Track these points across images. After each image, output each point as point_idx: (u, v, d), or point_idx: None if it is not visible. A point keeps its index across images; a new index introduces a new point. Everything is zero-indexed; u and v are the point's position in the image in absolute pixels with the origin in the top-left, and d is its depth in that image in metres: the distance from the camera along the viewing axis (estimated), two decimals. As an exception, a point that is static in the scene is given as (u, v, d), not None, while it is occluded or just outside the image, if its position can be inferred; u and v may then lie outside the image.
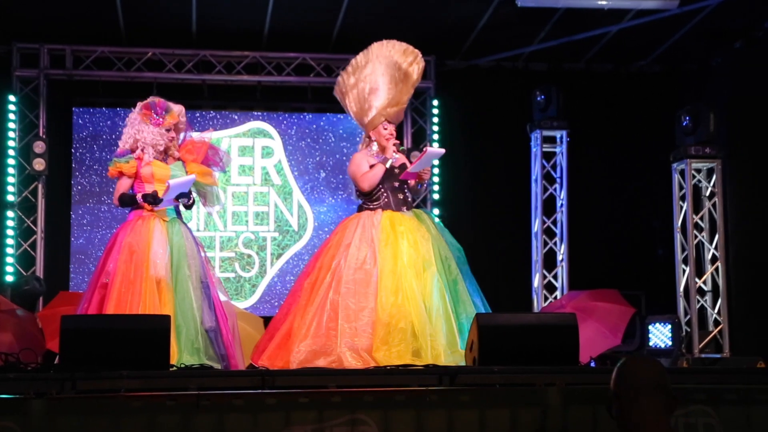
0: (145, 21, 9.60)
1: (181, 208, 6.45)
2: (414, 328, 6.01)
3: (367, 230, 6.32)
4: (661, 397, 2.77)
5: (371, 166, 6.47)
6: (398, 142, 6.59)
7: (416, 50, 6.70)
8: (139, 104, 6.45)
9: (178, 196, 6.28)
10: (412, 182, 6.60)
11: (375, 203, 6.47)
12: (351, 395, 4.67)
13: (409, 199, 6.57)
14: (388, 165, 6.46)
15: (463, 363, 5.93)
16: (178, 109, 6.44)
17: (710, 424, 4.81)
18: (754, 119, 9.62)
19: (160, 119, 6.35)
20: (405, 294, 6.09)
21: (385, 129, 6.52)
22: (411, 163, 6.58)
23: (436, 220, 6.65)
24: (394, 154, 6.48)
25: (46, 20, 9.48)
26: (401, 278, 6.13)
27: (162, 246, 6.15)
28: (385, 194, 6.46)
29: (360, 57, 6.67)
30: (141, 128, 6.36)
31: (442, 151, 6.86)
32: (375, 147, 6.56)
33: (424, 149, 6.58)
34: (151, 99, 6.47)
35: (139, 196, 6.27)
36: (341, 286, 6.15)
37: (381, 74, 6.57)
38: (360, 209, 6.55)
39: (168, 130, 6.38)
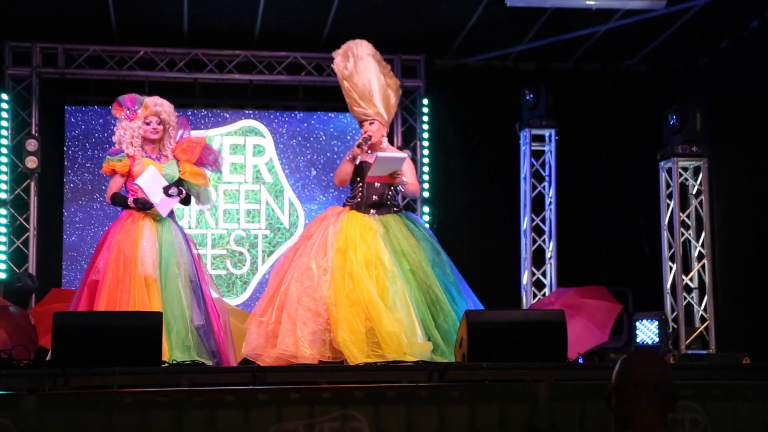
0: (137, 20, 9.57)
1: (175, 206, 6.44)
2: (362, 318, 5.98)
3: (326, 226, 6.34)
4: (662, 395, 2.75)
5: (344, 162, 6.49)
6: (367, 136, 6.40)
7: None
8: (114, 103, 6.45)
9: (166, 191, 6.25)
10: (403, 186, 6.46)
11: (351, 200, 6.48)
12: (342, 391, 4.67)
13: (389, 202, 6.45)
14: (356, 161, 6.39)
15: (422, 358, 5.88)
16: (151, 99, 6.40)
17: (696, 420, 4.83)
18: (740, 118, 9.65)
19: (132, 113, 6.34)
20: (359, 289, 6.05)
21: (363, 126, 6.51)
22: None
23: (416, 227, 6.46)
24: (364, 150, 6.37)
25: (39, 19, 9.44)
26: (353, 274, 6.09)
27: (150, 244, 6.14)
28: (360, 193, 6.42)
29: (354, 47, 6.60)
30: (118, 125, 6.41)
31: (402, 155, 6.48)
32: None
33: (375, 155, 6.32)
34: (122, 96, 6.46)
35: (130, 200, 6.28)
36: (294, 279, 6.18)
37: (372, 73, 6.53)
38: (344, 204, 6.58)
39: (147, 123, 6.34)
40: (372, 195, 6.40)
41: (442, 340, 6.05)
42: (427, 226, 7.05)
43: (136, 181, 6.21)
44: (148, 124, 6.36)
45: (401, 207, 6.80)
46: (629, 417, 2.75)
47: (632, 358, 2.84)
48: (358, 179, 6.41)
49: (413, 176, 6.54)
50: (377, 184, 6.39)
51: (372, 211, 6.36)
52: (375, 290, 6.04)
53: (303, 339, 5.96)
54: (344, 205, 6.51)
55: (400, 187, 6.48)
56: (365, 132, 6.43)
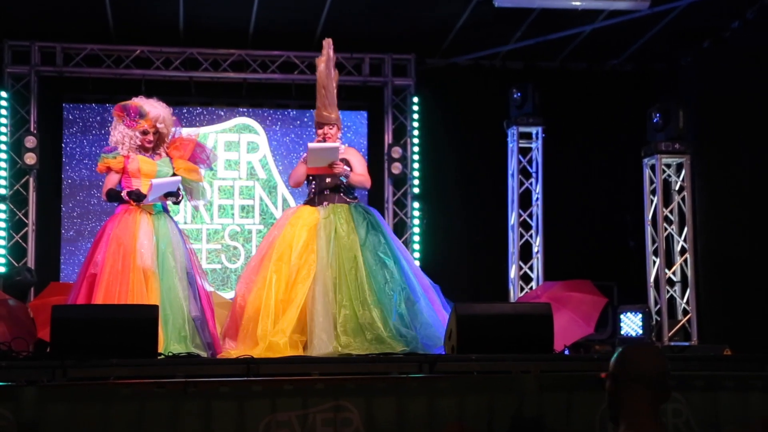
0: (134, 19, 9.55)
1: (168, 202, 6.46)
2: (259, 320, 6.12)
3: (281, 225, 6.55)
4: (656, 388, 2.75)
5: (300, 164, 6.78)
6: (321, 140, 6.65)
7: (326, 44, 6.72)
8: (117, 105, 6.46)
9: (167, 194, 6.32)
10: (344, 175, 6.58)
11: (307, 198, 6.71)
12: (334, 383, 4.67)
13: (342, 195, 6.57)
14: (308, 163, 6.57)
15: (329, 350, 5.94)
16: (155, 114, 6.39)
17: (678, 410, 4.84)
18: (722, 116, 9.67)
19: (133, 122, 6.36)
20: (264, 286, 6.21)
21: (320, 128, 6.71)
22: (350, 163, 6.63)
23: (366, 213, 6.55)
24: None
25: (37, 18, 9.41)
26: (268, 271, 6.26)
27: (148, 238, 6.17)
28: (313, 189, 6.63)
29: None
30: (115, 126, 6.44)
31: (333, 145, 6.57)
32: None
33: (307, 146, 6.59)
34: (128, 102, 6.46)
35: (124, 193, 6.29)
36: (243, 276, 6.47)
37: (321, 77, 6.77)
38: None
39: (144, 134, 6.36)
40: (324, 189, 6.58)
41: (367, 325, 6.08)
42: (383, 218, 7.06)
43: (152, 180, 6.22)
44: (145, 134, 6.37)
45: (358, 199, 6.82)
46: (622, 406, 2.76)
47: (630, 350, 2.84)
48: (311, 178, 6.61)
49: (362, 167, 6.73)
50: (328, 179, 6.56)
51: (325, 203, 6.54)
52: (276, 292, 6.19)
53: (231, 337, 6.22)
54: (301, 204, 6.74)
55: (343, 178, 6.60)
56: (324, 135, 6.65)
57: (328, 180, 6.56)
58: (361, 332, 6.05)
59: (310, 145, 6.58)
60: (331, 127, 6.66)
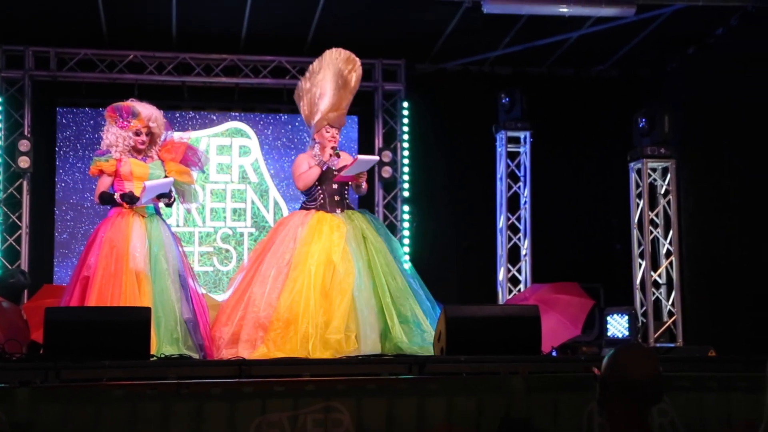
0: (127, 24, 9.52)
1: (161, 204, 6.43)
2: (303, 323, 6.03)
3: (293, 229, 6.43)
4: (647, 393, 2.70)
5: (310, 167, 6.55)
6: (336, 146, 6.59)
7: (356, 59, 6.75)
8: (109, 107, 6.43)
9: (159, 195, 6.29)
10: (362, 184, 6.61)
11: (312, 203, 6.57)
12: (324, 384, 4.66)
13: (347, 201, 6.60)
14: (324, 167, 6.52)
15: (378, 349, 5.97)
16: (147, 113, 6.37)
17: (664, 410, 4.85)
18: (707, 121, 9.69)
19: (126, 123, 6.33)
20: (304, 290, 6.12)
21: (327, 132, 6.61)
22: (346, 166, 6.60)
23: (375, 220, 6.68)
24: (334, 157, 6.53)
25: (32, 23, 9.39)
26: (306, 275, 6.17)
27: (141, 240, 6.13)
28: (321, 195, 6.54)
29: (315, 63, 6.75)
30: (107, 128, 6.40)
31: (376, 158, 6.83)
32: (317, 149, 6.62)
33: (356, 156, 6.57)
34: (120, 103, 6.44)
35: (117, 196, 6.26)
36: (258, 280, 6.27)
37: (329, 80, 6.66)
38: (301, 207, 6.66)
39: (137, 134, 6.34)
40: (334, 195, 6.54)
41: (403, 328, 6.13)
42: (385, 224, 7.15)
43: (145, 183, 6.19)
44: (137, 135, 6.34)
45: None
46: (610, 409, 2.72)
47: (622, 354, 2.78)
48: (317, 183, 6.54)
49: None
50: (335, 185, 6.53)
51: (337, 210, 6.50)
52: (321, 299, 6.11)
53: (259, 339, 6.07)
54: (306, 209, 6.58)
55: (361, 185, 6.61)
56: (333, 138, 6.59)
57: (335, 186, 6.54)
58: (409, 329, 6.15)
59: (361, 156, 6.56)
60: (338, 131, 6.66)
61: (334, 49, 6.71)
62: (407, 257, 10.10)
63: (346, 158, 6.64)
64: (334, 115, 6.60)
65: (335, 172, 6.54)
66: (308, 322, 6.02)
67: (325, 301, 6.11)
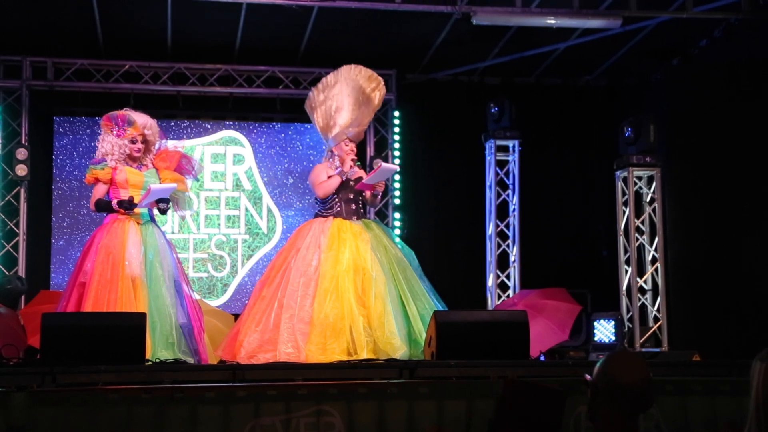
0: (123, 35, 9.52)
1: (155, 211, 6.42)
2: (346, 328, 6.06)
3: (316, 236, 6.46)
4: (637, 400, 2.69)
5: (329, 177, 6.59)
6: (356, 158, 6.69)
7: (379, 78, 6.83)
8: (105, 116, 6.43)
9: (158, 200, 6.28)
10: (367, 194, 6.69)
11: (328, 211, 6.60)
12: (317, 388, 4.66)
13: (361, 210, 6.68)
14: (344, 178, 6.58)
15: (419, 354, 5.97)
16: (142, 121, 6.39)
17: (650, 413, 4.85)
18: (691, 130, 9.72)
19: (122, 131, 6.33)
20: (340, 296, 6.16)
21: (347, 146, 6.67)
22: (366, 175, 6.64)
23: (387, 229, 6.83)
24: (351, 169, 6.60)
25: (29, 34, 9.38)
26: (339, 281, 6.21)
27: (136, 247, 6.13)
28: (338, 204, 6.58)
29: (330, 77, 6.75)
30: (103, 137, 6.39)
31: (396, 167, 6.94)
32: (336, 161, 6.66)
33: (379, 164, 6.69)
34: (115, 112, 6.43)
35: (114, 203, 6.25)
36: (288, 286, 6.26)
37: (347, 95, 6.66)
38: (315, 216, 6.69)
39: (133, 142, 6.34)
40: (350, 204, 6.60)
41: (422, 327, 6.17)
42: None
43: (151, 185, 6.20)
44: (133, 143, 6.34)
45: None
46: (601, 415, 2.71)
47: (613, 360, 2.76)
48: (334, 192, 6.58)
49: None
50: (351, 195, 6.60)
51: (354, 218, 6.56)
52: (360, 303, 6.15)
53: (302, 345, 6.05)
54: (323, 216, 6.61)
55: (378, 194, 6.73)
56: (351, 151, 6.65)
57: (351, 195, 6.61)
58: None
59: (384, 164, 6.67)
60: (355, 144, 6.75)
61: (352, 66, 6.76)
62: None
63: (359, 171, 6.73)
64: (354, 131, 6.69)
65: (351, 182, 6.62)
66: (350, 327, 6.05)
67: (362, 307, 6.15)
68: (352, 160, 6.62)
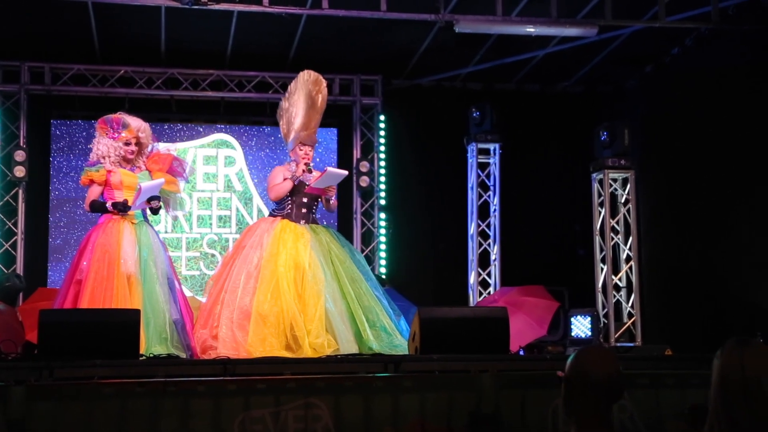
0: (119, 41, 9.49)
1: (148, 211, 6.40)
2: (286, 325, 6.06)
3: (260, 235, 6.46)
4: (608, 391, 2.72)
5: (284, 179, 6.57)
6: (309, 162, 6.62)
7: (323, 80, 6.75)
8: (99, 120, 6.42)
9: (149, 199, 6.26)
10: (331, 198, 6.65)
11: (280, 212, 6.62)
12: (305, 382, 4.65)
13: (313, 214, 6.64)
14: (296, 181, 6.55)
15: (355, 350, 6.01)
16: (136, 124, 6.38)
17: (623, 405, 4.87)
18: (664, 135, 9.78)
19: (116, 134, 6.31)
20: (281, 294, 6.14)
21: (301, 150, 6.65)
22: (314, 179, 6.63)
23: (338, 234, 6.71)
24: (306, 173, 6.56)
25: (27, 40, 9.33)
26: (279, 280, 6.19)
27: (131, 245, 6.12)
28: (290, 206, 6.57)
29: (292, 84, 6.77)
30: (98, 140, 6.38)
31: (345, 172, 6.81)
32: (293, 165, 6.66)
33: (325, 168, 6.66)
34: (110, 115, 6.42)
35: (109, 204, 6.24)
36: (230, 284, 6.27)
37: (302, 101, 6.67)
38: (269, 215, 6.71)
39: (127, 144, 6.32)
40: (301, 208, 6.58)
41: (372, 333, 6.19)
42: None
43: (140, 184, 6.17)
44: (127, 145, 6.33)
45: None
46: (575, 408, 2.73)
47: (583, 355, 2.79)
48: (288, 194, 6.57)
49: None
50: (305, 199, 6.58)
51: (302, 221, 6.53)
52: (296, 301, 6.13)
53: (241, 340, 6.06)
54: (273, 216, 6.64)
55: (330, 198, 6.67)
56: (306, 155, 6.62)
57: (304, 199, 6.57)
58: (378, 333, 6.20)
59: (330, 169, 6.64)
60: (311, 148, 6.68)
61: (306, 71, 6.73)
62: (384, 264, 10.15)
63: (314, 175, 6.67)
64: (305, 134, 6.64)
65: (306, 186, 6.58)
66: (287, 323, 6.04)
67: (300, 304, 6.13)
68: (305, 164, 6.58)
